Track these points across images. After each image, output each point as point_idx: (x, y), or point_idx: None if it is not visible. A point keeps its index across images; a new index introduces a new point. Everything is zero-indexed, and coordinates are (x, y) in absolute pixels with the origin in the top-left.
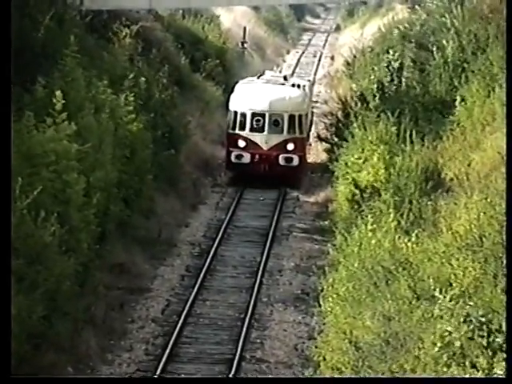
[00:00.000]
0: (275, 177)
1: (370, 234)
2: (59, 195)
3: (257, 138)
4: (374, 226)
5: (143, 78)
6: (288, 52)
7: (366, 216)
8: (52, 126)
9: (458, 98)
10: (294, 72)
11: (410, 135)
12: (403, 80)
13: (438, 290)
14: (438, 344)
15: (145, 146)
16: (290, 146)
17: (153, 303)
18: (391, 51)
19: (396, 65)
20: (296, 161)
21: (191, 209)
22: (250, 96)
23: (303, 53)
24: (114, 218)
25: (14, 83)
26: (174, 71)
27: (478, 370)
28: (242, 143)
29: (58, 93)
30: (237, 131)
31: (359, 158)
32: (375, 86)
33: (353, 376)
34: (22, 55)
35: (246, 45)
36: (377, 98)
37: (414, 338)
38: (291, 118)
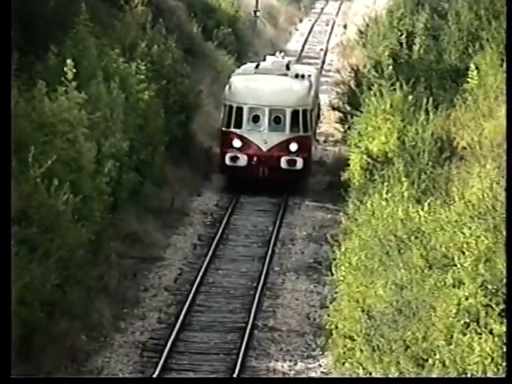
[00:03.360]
0: (276, 182)
1: (382, 203)
2: (72, 164)
3: (255, 136)
4: (387, 195)
5: (155, 47)
6: (301, 20)
7: (379, 185)
8: (64, 94)
9: (472, 66)
10: (305, 42)
11: (424, 104)
12: (417, 48)
13: (457, 255)
14: (454, 311)
15: (157, 114)
16: (294, 147)
17: (165, 272)
18: (405, 19)
19: (409, 33)
20: (300, 164)
21: (203, 178)
22: (247, 88)
23: (316, 21)
24: (127, 186)
25: (27, 51)
26: (186, 40)
27: (494, 336)
28: (237, 143)
29: (69, 61)
30: (231, 129)
31: (372, 127)
32: (388, 54)
33: (353, 376)
34: (34, 23)
35: (258, 13)
36: (390, 66)
37: (426, 307)
38: (294, 113)
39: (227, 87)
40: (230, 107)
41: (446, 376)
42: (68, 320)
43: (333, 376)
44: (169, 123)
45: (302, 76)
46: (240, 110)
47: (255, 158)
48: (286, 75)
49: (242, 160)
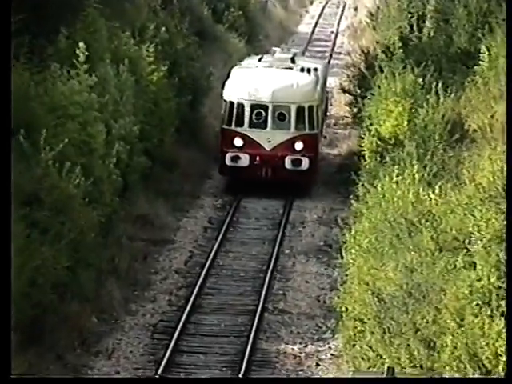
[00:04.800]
0: (280, 183)
1: (393, 185)
2: (83, 146)
3: (257, 135)
4: (398, 177)
5: (165, 29)
6: (311, 3)
7: (390, 168)
8: (75, 77)
9: (482, 49)
10: (316, 24)
11: (435, 86)
12: (426, 31)
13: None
14: (466, 292)
15: (167, 97)
16: (299, 146)
17: (176, 255)
18: (415, 1)
19: (419, 15)
20: (306, 164)
21: (214, 161)
22: (249, 83)
23: (326, 3)
24: (137, 169)
25: (38, 34)
26: (196, 22)
27: (505, 318)
28: (238, 142)
29: (82, 44)
30: (233, 127)
31: (383, 110)
32: (398, 37)
33: (352, 376)
34: (45, 6)
35: None
36: (400, 49)
37: (436, 290)
38: (300, 110)
39: (228, 82)
40: (231, 103)
41: (446, 376)
42: (79, 302)
43: (333, 376)
44: (179, 106)
45: (308, 70)
46: (241, 106)
47: (258, 158)
48: (290, 69)
49: (244, 160)
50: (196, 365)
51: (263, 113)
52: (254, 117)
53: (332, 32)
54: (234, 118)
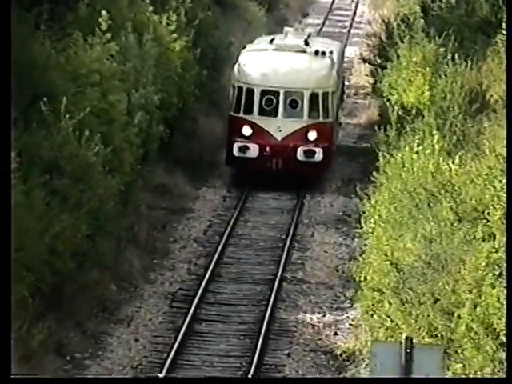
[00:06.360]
0: (291, 176)
1: (413, 156)
2: (103, 115)
3: (268, 123)
4: (418, 148)
5: None
6: None
7: (410, 138)
8: (95, 45)
9: (504, 18)
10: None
11: (455, 56)
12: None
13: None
14: (483, 264)
15: (187, 66)
16: (312, 135)
17: (195, 224)
18: None
19: None
20: (319, 155)
21: None
22: (259, 67)
23: None
24: (156, 138)
25: (58, 2)
26: None
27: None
28: (247, 131)
29: (104, 12)
30: (241, 114)
31: (403, 80)
32: (420, 6)
33: (354, 376)
34: None
35: None
36: (421, 18)
37: (455, 260)
38: (314, 96)
39: (236, 65)
40: (240, 89)
41: (446, 376)
42: (98, 270)
43: (334, 376)
44: (199, 75)
45: (323, 53)
46: (251, 92)
47: (268, 149)
48: (304, 52)
49: (253, 150)
50: (214, 333)
51: (274, 99)
52: (263, 104)
53: (353, 1)
54: (242, 105)
